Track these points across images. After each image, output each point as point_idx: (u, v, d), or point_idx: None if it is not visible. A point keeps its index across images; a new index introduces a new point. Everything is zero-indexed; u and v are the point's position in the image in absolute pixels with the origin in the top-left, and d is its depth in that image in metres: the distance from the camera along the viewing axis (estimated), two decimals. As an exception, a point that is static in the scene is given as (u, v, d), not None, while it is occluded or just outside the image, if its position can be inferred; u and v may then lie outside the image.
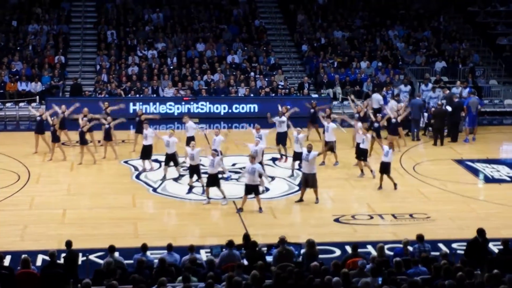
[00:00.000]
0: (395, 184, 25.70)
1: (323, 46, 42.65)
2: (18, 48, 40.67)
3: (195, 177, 25.08)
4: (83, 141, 28.44)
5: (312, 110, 31.32)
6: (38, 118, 29.65)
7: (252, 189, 23.37)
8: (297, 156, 26.45)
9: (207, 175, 24.43)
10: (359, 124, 28.14)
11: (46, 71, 38.88)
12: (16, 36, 41.44)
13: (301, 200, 24.39)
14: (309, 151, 24.03)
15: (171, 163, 26.53)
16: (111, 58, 40.10)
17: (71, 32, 43.20)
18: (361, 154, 26.95)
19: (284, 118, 28.71)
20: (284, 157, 28.81)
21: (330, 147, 27.56)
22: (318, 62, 41.21)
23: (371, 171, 26.91)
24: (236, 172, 27.41)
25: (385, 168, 25.54)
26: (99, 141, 30.09)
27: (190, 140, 27.00)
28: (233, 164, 28.14)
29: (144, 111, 35.82)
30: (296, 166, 27.17)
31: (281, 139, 28.83)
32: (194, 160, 24.72)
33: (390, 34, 44.16)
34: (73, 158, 29.00)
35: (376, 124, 29.31)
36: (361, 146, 26.83)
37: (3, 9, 43.15)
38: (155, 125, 32.23)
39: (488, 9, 46.55)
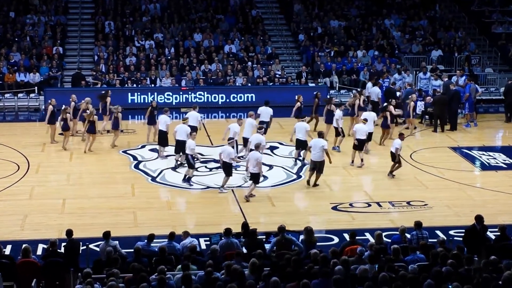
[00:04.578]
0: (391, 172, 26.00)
1: (319, 35, 42.73)
2: (16, 39, 40.68)
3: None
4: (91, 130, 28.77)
5: (317, 100, 31.72)
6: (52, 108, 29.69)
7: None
8: (300, 144, 26.91)
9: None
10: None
11: (44, 62, 38.93)
12: (14, 27, 41.44)
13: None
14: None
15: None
16: (109, 49, 40.15)
17: (68, 22, 43.21)
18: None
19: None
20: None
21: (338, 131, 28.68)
22: (314, 51, 41.28)
23: (361, 159, 27.25)
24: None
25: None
26: (108, 131, 30.69)
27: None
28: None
29: (142, 101, 36.22)
30: (296, 155, 27.56)
31: None
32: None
33: (387, 23, 44.24)
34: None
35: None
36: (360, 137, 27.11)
37: (0, 0, 43.16)
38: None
39: (483, -2, 46.71)
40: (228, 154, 24.08)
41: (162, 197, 24.32)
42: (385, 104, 31.00)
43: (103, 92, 31.93)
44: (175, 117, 33.00)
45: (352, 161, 27.15)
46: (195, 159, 25.09)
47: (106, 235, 17.27)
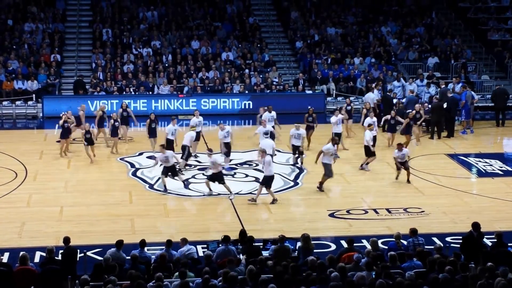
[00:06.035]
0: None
1: (316, 42, 42.84)
2: (14, 46, 40.77)
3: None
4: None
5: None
6: (66, 124, 29.14)
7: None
8: (296, 149, 27.67)
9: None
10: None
11: (42, 70, 38.99)
12: (12, 35, 41.53)
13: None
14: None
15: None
16: (106, 56, 40.25)
17: (66, 30, 43.31)
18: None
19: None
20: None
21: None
22: (311, 58, 41.38)
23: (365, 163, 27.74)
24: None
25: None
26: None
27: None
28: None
29: (140, 109, 36.25)
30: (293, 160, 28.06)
31: None
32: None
33: (383, 30, 44.36)
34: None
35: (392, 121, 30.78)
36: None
37: (-2, 8, 43.33)
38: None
39: (479, 5, 46.76)
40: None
41: (159, 204, 24.33)
42: (408, 111, 31.19)
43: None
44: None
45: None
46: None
47: (119, 244, 17.27)
